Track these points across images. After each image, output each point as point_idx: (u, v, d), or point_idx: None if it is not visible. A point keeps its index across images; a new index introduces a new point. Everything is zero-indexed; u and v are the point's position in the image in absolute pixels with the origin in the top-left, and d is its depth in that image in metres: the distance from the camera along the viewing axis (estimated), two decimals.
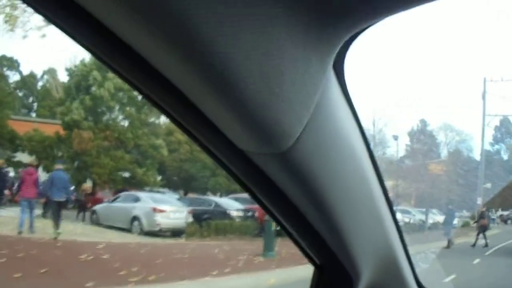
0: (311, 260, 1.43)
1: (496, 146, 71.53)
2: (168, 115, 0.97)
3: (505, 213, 55.70)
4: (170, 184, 36.17)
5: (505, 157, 70.87)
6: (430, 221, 38.90)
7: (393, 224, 1.48)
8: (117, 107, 28.71)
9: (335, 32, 0.84)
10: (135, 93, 22.16)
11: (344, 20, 0.83)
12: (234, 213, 26.88)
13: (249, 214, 26.57)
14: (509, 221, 52.37)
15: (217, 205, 27.75)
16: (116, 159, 28.41)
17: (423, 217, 40.01)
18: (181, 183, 34.09)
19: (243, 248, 19.45)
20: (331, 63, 0.92)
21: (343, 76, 1.04)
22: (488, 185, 46.06)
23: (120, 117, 29.32)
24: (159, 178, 34.72)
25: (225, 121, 0.90)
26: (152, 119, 34.26)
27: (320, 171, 1.07)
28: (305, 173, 1.04)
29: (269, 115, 0.85)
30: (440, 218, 39.11)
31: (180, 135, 34.79)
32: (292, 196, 1.14)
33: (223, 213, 26.53)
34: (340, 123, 1.08)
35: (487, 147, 69.25)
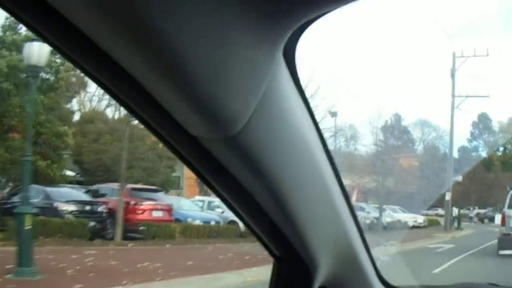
0: (270, 252, 1.39)
1: (474, 143, 70.54)
2: (121, 102, 0.97)
3: (482, 211, 51.90)
4: (87, 178, 31.40)
5: (483, 154, 68.49)
6: (388, 219, 34.84)
7: (350, 216, 1.48)
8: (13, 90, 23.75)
9: (285, 20, 0.86)
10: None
11: (293, 9, 0.85)
12: (63, 208, 20.99)
13: (89, 208, 21.58)
14: (486, 220, 49.81)
15: (46, 196, 21.37)
16: (12, 150, 23.66)
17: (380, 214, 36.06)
18: (98, 176, 29.34)
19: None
20: (281, 51, 0.93)
21: (294, 65, 1.03)
22: (459, 177, 43.30)
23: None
24: (70, 172, 29.89)
25: (177, 107, 0.92)
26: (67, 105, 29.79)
27: (271, 156, 1.08)
28: (256, 158, 1.04)
29: (218, 101, 0.87)
30: (403, 216, 35.73)
31: (102, 123, 31.73)
32: (247, 184, 1.13)
33: (49, 208, 20.47)
34: (290, 110, 1.08)
35: (465, 143, 69.56)
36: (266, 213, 1.22)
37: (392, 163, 44.73)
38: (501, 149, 67.22)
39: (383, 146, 48.75)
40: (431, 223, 39.78)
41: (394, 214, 36.39)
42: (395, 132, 61.06)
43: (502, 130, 66.38)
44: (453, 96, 40.24)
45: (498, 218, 44.76)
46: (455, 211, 46.13)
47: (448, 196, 37.82)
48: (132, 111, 0.99)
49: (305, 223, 1.28)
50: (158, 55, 0.78)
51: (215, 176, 1.13)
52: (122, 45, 0.80)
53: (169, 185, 31.73)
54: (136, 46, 0.78)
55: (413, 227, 34.37)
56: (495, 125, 67.87)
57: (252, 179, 1.12)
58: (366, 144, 45.78)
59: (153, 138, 6.70)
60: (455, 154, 65.65)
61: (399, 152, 53.63)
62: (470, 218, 49.29)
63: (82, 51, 0.87)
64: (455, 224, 40.62)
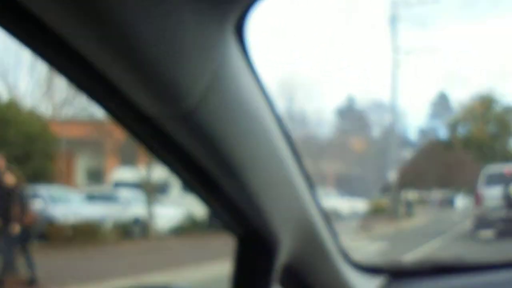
0: (232, 232, 1.40)
1: (433, 123, 67.37)
2: (74, 82, 0.95)
3: (441, 193, 46.99)
4: None
5: (443, 134, 63.94)
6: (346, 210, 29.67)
7: (310, 194, 1.49)
8: None
9: None
10: None
11: None
12: None
13: None
14: (445, 203, 46.81)
15: None
16: None
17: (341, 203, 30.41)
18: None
19: None
20: (232, 28, 0.95)
21: (246, 42, 1.05)
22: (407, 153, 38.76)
23: None
24: None
25: (130, 87, 0.92)
26: None
27: (226, 133, 1.08)
28: (211, 136, 1.05)
29: (170, 78, 0.88)
30: (337, 202, 29.76)
31: None
32: (205, 163, 1.13)
33: None
34: (244, 88, 1.09)
35: (423, 124, 64.58)
36: (226, 192, 1.21)
37: (341, 146, 42.76)
38: (461, 128, 63.20)
39: (335, 129, 47.70)
40: (378, 210, 33.69)
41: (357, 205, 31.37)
42: (349, 115, 57.68)
43: (461, 109, 62.55)
44: (395, 50, 33.21)
45: (458, 200, 44.00)
46: (410, 194, 41.15)
47: (392, 176, 31.45)
48: (86, 91, 0.97)
49: (265, 201, 1.27)
50: (109, 34, 0.78)
51: (173, 156, 1.11)
52: (73, 25, 0.78)
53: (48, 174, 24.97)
54: (87, 26, 0.77)
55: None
56: (455, 105, 64.70)
57: (210, 158, 1.11)
58: (316, 128, 43.16)
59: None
60: (413, 136, 63.07)
61: (351, 135, 50.25)
62: (432, 201, 43.84)
63: (35, 38, 0.85)
64: (407, 211, 34.82)
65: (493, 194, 18.88)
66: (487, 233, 17.78)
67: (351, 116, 58.50)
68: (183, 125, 1.01)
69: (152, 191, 21.24)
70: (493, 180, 19.45)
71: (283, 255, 1.43)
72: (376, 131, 58.52)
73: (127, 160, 28.16)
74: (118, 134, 20.43)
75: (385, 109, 64.45)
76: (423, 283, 2.04)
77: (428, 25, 62.36)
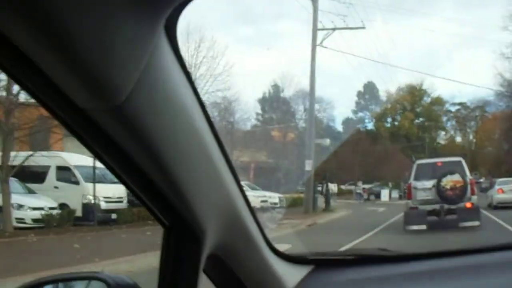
0: (160, 222, 1.40)
1: (360, 114, 64.58)
2: (8, 73, 0.95)
3: (368, 186, 44.94)
4: None
5: (369, 125, 62.24)
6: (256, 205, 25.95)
7: (235, 184, 1.52)
8: None
9: None
10: None
11: None
12: None
13: None
14: (372, 197, 43.77)
15: None
16: None
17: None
18: None
19: None
20: (162, 25, 0.98)
21: (175, 39, 1.08)
22: (326, 141, 36.14)
23: None
24: None
25: (63, 79, 0.92)
26: None
27: (154, 127, 1.11)
28: (140, 128, 1.07)
29: (101, 72, 0.89)
30: (249, 195, 26.16)
31: None
32: (133, 155, 1.16)
33: None
34: (173, 83, 1.12)
35: (350, 114, 62.92)
36: (153, 183, 1.24)
37: (263, 137, 41.31)
38: (389, 120, 62.43)
39: (259, 119, 46.00)
40: (296, 203, 30.43)
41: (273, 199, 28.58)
42: (273, 104, 55.63)
43: (390, 100, 60.53)
44: (315, 30, 29.81)
45: (384, 193, 41.68)
46: (332, 187, 38.56)
47: (308, 166, 28.24)
48: (20, 83, 0.96)
49: (190, 191, 1.30)
50: (42, 26, 0.79)
51: (104, 148, 1.13)
52: (6, 15, 0.79)
53: None
54: (21, 17, 0.78)
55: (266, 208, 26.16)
56: (383, 95, 62.74)
57: (138, 150, 1.14)
58: (237, 117, 40.66)
59: None
60: (339, 127, 61.03)
61: (274, 124, 48.16)
62: (358, 194, 41.44)
63: None
64: (326, 205, 30.88)
65: (425, 187, 17.60)
66: (420, 227, 16.78)
67: (275, 105, 56.94)
68: (114, 118, 1.02)
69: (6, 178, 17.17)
70: (425, 172, 18.08)
71: (209, 245, 1.45)
72: (301, 121, 57.52)
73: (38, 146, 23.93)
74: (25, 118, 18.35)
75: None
76: (347, 273, 2.07)
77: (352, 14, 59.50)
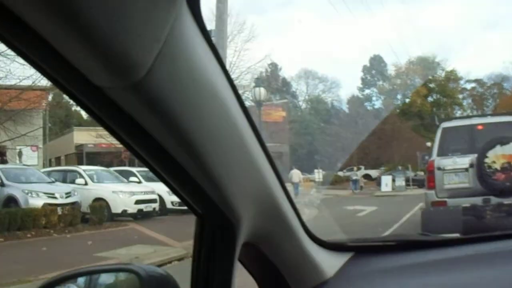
0: (193, 210, 1.34)
1: (367, 91, 56.10)
2: (20, 52, 0.88)
3: (373, 172, 36.69)
4: None
5: (377, 103, 54.82)
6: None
7: (271, 168, 1.43)
8: None
9: None
10: None
11: None
12: None
13: None
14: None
15: None
16: None
17: None
18: None
19: None
20: None
21: (199, 9, 1.01)
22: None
23: None
24: None
25: (78, 55, 0.86)
26: None
27: (179, 104, 1.02)
28: (163, 106, 0.99)
29: (118, 46, 0.83)
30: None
31: None
32: (159, 138, 1.07)
33: None
34: (196, 57, 1.03)
35: (356, 92, 55.92)
36: (183, 169, 1.15)
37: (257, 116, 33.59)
38: (399, 96, 54.35)
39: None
40: None
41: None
42: (272, 84, 49.91)
43: (399, 75, 52.56)
44: None
45: (386, 181, 30.93)
46: (319, 173, 30.88)
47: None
48: (32, 62, 0.89)
49: (223, 176, 1.22)
50: (55, 4, 0.74)
51: (126, 130, 1.05)
52: None
53: None
54: None
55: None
56: (391, 69, 55.52)
57: (164, 132, 1.06)
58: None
59: None
60: (344, 107, 54.64)
61: (272, 105, 42.10)
62: (354, 181, 33.35)
63: None
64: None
65: (457, 167, 10.26)
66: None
67: (273, 84, 51.34)
68: (134, 95, 0.94)
69: None
70: (457, 142, 10.77)
71: (244, 233, 1.39)
72: (301, 101, 52.28)
73: None
74: None
75: (314, 77, 56.99)
76: (388, 259, 1.97)
77: None
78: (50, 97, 41.96)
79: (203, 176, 1.18)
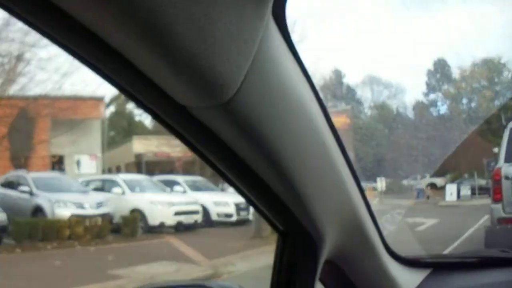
0: (274, 227, 1.31)
1: (432, 95, 53.55)
2: (105, 76, 0.88)
3: (437, 180, 34.34)
4: None
5: (442, 109, 52.33)
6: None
7: (355, 185, 1.39)
8: None
9: None
10: None
11: None
12: None
13: None
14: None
15: None
16: None
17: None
18: None
19: None
20: (269, 9, 0.87)
21: (285, 23, 0.97)
22: None
23: None
24: None
25: (164, 76, 0.85)
26: None
27: (267, 124, 1.00)
28: (251, 127, 0.97)
29: (206, 66, 0.81)
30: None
31: None
32: (245, 156, 1.05)
33: None
34: (285, 72, 1.00)
35: (421, 97, 53.62)
36: (268, 186, 1.12)
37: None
38: (465, 101, 51.86)
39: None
40: None
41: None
42: (336, 92, 48.78)
43: (464, 78, 49.88)
44: None
45: (451, 190, 29.47)
46: (382, 182, 28.61)
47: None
48: (116, 84, 0.89)
49: (310, 194, 1.18)
50: (141, 20, 0.72)
51: (210, 149, 1.03)
52: (101, 14, 0.73)
53: None
54: (117, 17, 0.73)
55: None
56: (455, 73, 52.88)
57: (250, 150, 1.03)
58: None
59: None
60: (410, 113, 52.62)
61: (335, 112, 40.74)
62: (419, 190, 31.16)
63: (62, 29, 0.78)
64: None
65: None
66: None
67: (337, 91, 50.00)
68: (221, 115, 0.92)
69: None
70: None
71: (326, 251, 1.34)
72: (367, 108, 50.87)
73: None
74: None
75: (379, 84, 55.47)
76: (468, 277, 1.88)
77: None
78: (112, 107, 41.48)
79: (288, 193, 1.12)
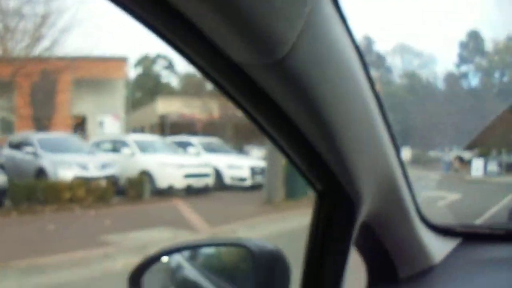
0: (313, 186, 1.32)
1: (463, 68, 52.26)
2: (158, 32, 0.89)
3: (464, 154, 32.99)
4: None
5: (473, 82, 50.76)
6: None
7: (394, 150, 1.39)
8: None
9: None
10: None
11: None
12: None
13: None
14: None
15: None
16: None
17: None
18: None
19: None
20: None
21: None
22: None
23: None
24: None
25: (219, 32, 0.86)
26: None
27: (317, 82, 1.01)
28: (301, 85, 0.99)
29: (264, 22, 0.82)
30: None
31: None
32: (290, 114, 1.07)
33: None
34: (334, 36, 1.02)
35: (452, 69, 52.00)
36: (310, 144, 1.14)
37: None
38: (497, 74, 50.46)
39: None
40: None
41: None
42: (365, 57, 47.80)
43: (498, 52, 48.39)
44: None
45: (477, 165, 28.17)
46: (407, 152, 27.44)
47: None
48: (163, 36, 0.90)
49: (351, 155, 1.20)
50: None
51: (257, 106, 1.05)
52: None
53: None
54: None
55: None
56: (489, 45, 51.05)
57: (297, 109, 1.05)
58: None
59: None
60: (440, 84, 51.22)
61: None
62: (446, 163, 30.03)
63: None
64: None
65: None
66: None
67: (367, 58, 49.18)
68: (274, 73, 0.94)
69: None
70: None
71: (363, 213, 1.36)
72: (396, 76, 49.86)
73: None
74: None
75: (410, 53, 54.19)
76: (497, 249, 1.84)
77: None
78: (140, 68, 40.95)
79: (331, 152, 1.15)
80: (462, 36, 52.14)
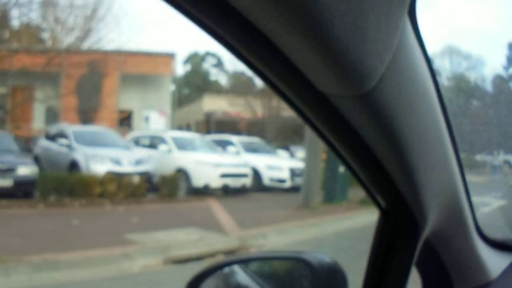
0: (377, 204, 1.33)
1: (511, 70, 49.70)
2: (241, 57, 0.90)
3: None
4: None
5: None
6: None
7: (458, 167, 1.38)
8: None
9: None
10: None
11: None
12: None
13: None
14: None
15: None
16: None
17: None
18: None
19: None
20: (407, 7, 0.90)
21: (417, 22, 1.01)
22: None
23: None
24: None
25: (310, 63, 0.86)
26: None
27: (399, 113, 1.04)
28: (385, 114, 1.00)
29: (354, 55, 0.83)
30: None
31: None
32: (368, 139, 1.09)
33: None
34: (418, 65, 1.04)
35: (500, 71, 50.11)
36: (379, 162, 1.14)
37: None
38: None
39: None
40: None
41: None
42: None
43: None
44: None
45: None
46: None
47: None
48: (252, 66, 0.91)
49: (419, 174, 1.19)
50: (296, 10, 0.73)
51: (337, 133, 1.07)
52: (256, 2, 0.75)
53: None
54: (272, 2, 0.73)
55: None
56: None
57: (377, 135, 1.07)
58: None
59: None
60: (488, 87, 49.56)
61: None
62: (494, 167, 28.72)
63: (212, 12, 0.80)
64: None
65: None
66: None
67: None
68: (359, 104, 0.95)
69: None
70: None
71: (427, 231, 1.34)
72: (444, 78, 48.38)
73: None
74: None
75: (459, 55, 52.69)
76: None
77: None
78: (189, 65, 40.85)
79: (399, 169, 1.15)
80: (511, 37, 50.47)
